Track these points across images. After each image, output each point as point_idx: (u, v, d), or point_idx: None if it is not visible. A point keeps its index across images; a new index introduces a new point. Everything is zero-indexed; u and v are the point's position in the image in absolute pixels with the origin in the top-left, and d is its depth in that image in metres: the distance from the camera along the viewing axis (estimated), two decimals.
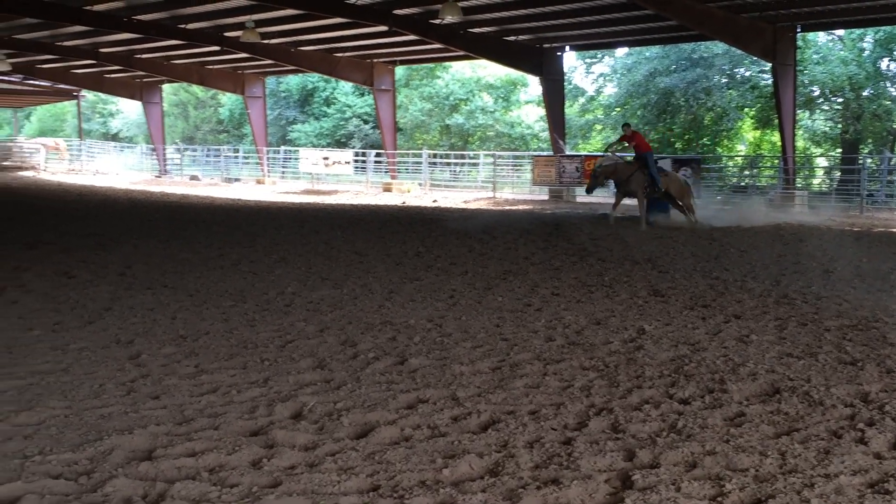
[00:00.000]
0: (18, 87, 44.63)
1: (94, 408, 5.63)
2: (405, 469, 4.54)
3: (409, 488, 4.29)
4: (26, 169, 42.61)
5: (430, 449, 4.84)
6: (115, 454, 4.72)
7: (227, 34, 29.03)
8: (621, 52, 37.94)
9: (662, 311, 8.91)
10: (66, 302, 9.13)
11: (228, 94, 47.79)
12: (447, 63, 41.82)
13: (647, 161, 17.93)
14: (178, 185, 36.21)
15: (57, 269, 11.18)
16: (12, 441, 4.98)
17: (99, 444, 4.86)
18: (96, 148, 47.61)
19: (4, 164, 44.60)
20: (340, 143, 45.56)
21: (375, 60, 32.72)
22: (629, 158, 18.94)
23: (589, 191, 19.02)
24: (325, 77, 42.23)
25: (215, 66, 36.84)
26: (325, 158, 35.18)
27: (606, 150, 20.01)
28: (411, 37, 26.64)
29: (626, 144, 18.76)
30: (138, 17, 26.76)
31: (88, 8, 25.67)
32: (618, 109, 38.21)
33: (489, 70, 44.64)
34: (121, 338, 7.59)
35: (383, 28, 25.50)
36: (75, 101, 46.91)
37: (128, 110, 57.90)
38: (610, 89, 39.51)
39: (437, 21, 24.26)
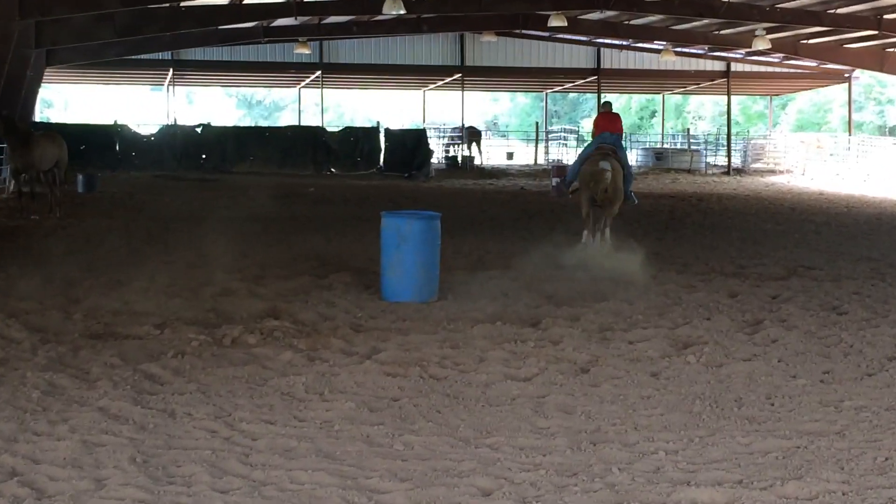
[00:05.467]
0: (777, 70, 46.62)
1: (880, 486, 5.71)
2: None
3: None
4: (780, 173, 44.38)
5: None
6: None
7: None
8: None
9: None
10: (836, 345, 9.42)
11: None
12: None
13: None
14: None
15: (824, 301, 11.58)
16: None
17: None
18: (868, 145, 47.68)
19: (755, 166, 47.19)
20: None
21: None
22: None
23: None
24: None
25: None
26: None
27: None
28: None
29: None
30: None
31: None
32: None
33: None
34: None
35: None
36: (845, 85, 47.32)
37: None
38: None
39: None
